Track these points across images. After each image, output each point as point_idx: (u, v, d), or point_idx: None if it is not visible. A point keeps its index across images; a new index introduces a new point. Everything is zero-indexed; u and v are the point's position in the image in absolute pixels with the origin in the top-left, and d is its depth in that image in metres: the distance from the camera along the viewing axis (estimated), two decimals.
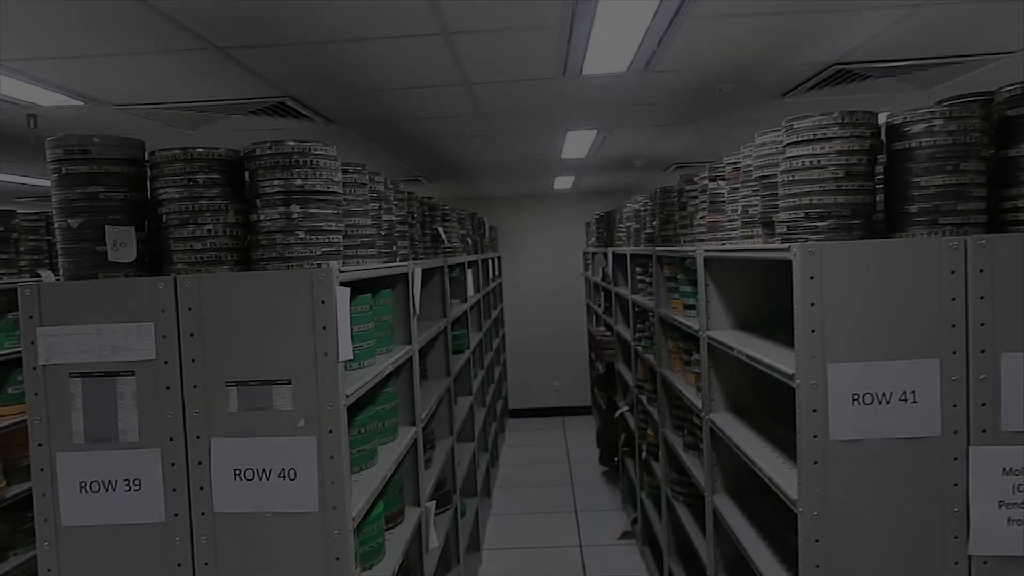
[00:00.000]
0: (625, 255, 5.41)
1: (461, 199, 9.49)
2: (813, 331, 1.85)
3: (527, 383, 9.78)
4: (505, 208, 9.76)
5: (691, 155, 6.25)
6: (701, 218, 3.13)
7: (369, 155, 5.26)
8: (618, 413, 6.07)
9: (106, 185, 1.90)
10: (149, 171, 1.97)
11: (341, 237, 2.03)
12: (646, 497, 5.11)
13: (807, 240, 1.92)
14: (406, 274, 2.94)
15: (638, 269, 4.96)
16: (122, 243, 1.90)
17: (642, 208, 4.79)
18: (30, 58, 2.70)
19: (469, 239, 5.70)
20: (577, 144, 5.31)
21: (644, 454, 4.79)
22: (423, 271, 3.99)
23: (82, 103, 3.33)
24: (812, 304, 1.85)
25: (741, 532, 2.66)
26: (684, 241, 3.55)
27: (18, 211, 3.77)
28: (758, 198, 2.30)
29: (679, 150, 5.82)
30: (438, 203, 4.31)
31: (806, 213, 1.93)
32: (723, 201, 2.85)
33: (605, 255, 6.64)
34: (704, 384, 3.00)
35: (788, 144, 1.98)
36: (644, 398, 4.83)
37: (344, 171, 2.34)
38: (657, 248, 4.02)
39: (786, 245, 1.93)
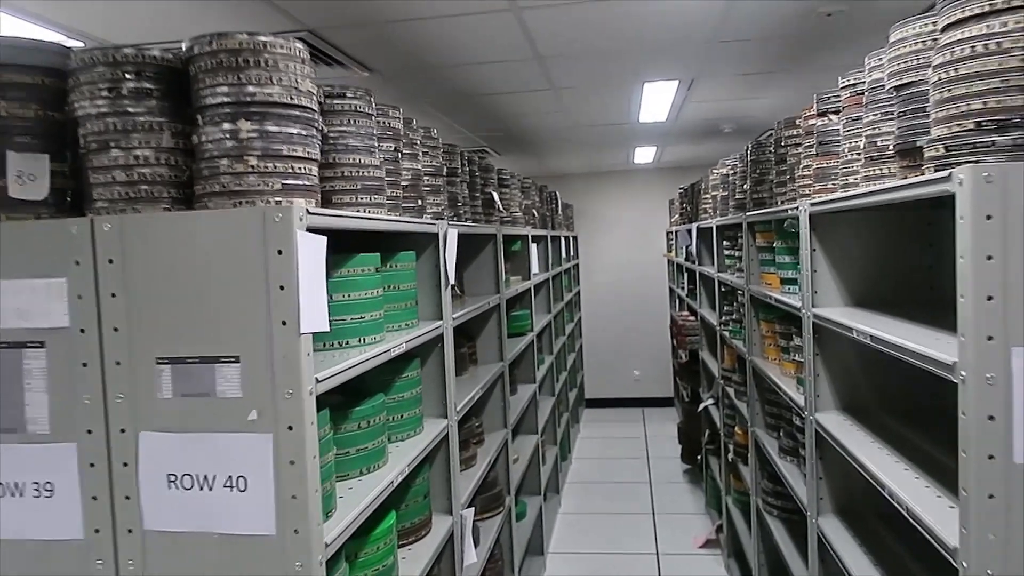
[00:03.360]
0: (711, 228, 4.75)
1: (536, 176, 8.93)
2: (990, 298, 1.22)
3: (604, 371, 9.18)
4: (582, 185, 9.16)
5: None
6: (806, 167, 2.49)
7: (422, 117, 4.77)
8: (701, 407, 5.42)
9: (10, 99, 1.45)
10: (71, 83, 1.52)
11: (315, 168, 1.53)
12: (732, 504, 4.47)
13: (978, 163, 1.29)
14: (436, 235, 2.43)
15: (725, 243, 4.31)
16: (30, 175, 1.45)
17: (731, 171, 4.13)
18: None
19: (535, 212, 5.16)
20: (656, 101, 4.68)
21: (731, 455, 4.15)
22: (470, 238, 3.48)
23: (80, 42, 2.96)
24: (988, 257, 1.22)
25: (857, 568, 2.03)
26: (782, 202, 2.91)
27: None
28: (893, 120, 1.67)
29: (774, 110, 5.08)
30: (492, 164, 3.78)
31: (977, 123, 1.30)
32: (836, 140, 2.21)
33: (689, 232, 5.98)
34: (808, 376, 2.37)
35: (948, 25, 1.35)
36: (731, 391, 4.19)
37: (341, 95, 1.84)
38: (748, 214, 3.38)
39: (944, 173, 1.30)
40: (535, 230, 4.99)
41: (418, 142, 2.41)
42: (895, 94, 1.62)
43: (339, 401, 1.94)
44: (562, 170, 8.84)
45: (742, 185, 3.81)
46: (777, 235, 2.93)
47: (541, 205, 5.80)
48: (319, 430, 1.54)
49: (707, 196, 5.27)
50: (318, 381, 1.44)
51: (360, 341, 1.86)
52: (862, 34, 3.31)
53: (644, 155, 7.59)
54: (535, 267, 4.82)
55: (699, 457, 5.76)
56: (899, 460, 1.90)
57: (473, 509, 2.65)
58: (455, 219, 2.94)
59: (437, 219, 2.49)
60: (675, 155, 7.71)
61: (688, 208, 6.46)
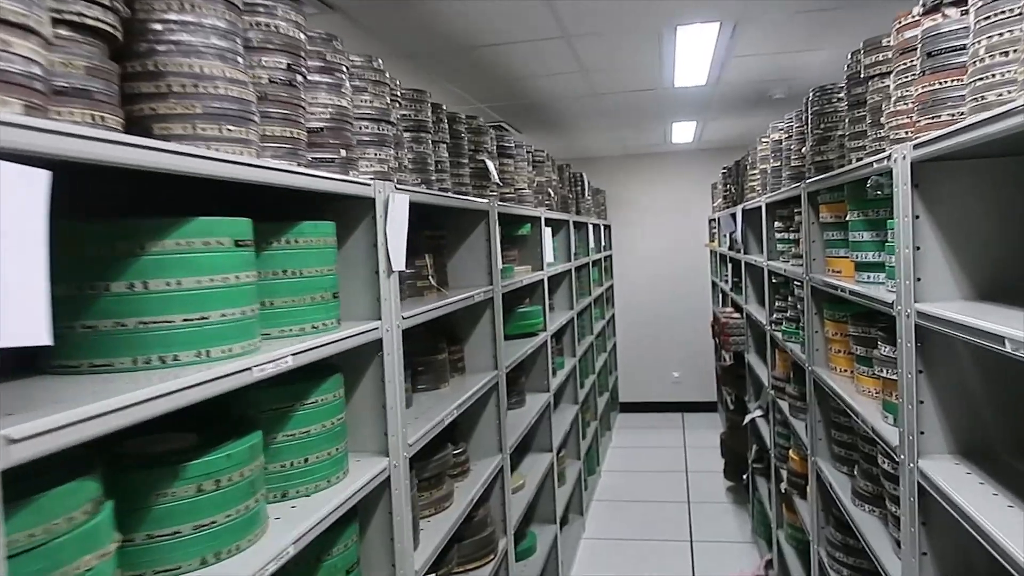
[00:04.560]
0: (759, 208, 3.98)
1: (564, 160, 8.21)
2: None
3: (640, 372, 8.41)
4: (615, 169, 8.39)
5: None
6: (901, 99, 1.73)
7: (413, 78, 4.08)
8: (747, 419, 4.64)
9: None
10: None
11: (36, 51, 0.84)
12: (785, 539, 3.70)
13: None
14: (373, 201, 1.73)
15: (777, 224, 3.54)
16: None
17: (784, 135, 3.36)
18: None
19: (551, 191, 4.44)
20: (693, 54, 3.91)
21: (784, 485, 3.38)
22: (455, 217, 2.79)
23: None
24: None
25: None
26: (858, 159, 2.15)
27: None
28: None
29: (835, 67, 4.27)
30: (487, 127, 3.08)
31: None
32: (957, 46, 1.46)
33: (732, 216, 5.20)
34: (906, 402, 1.62)
35: None
36: (784, 404, 3.42)
37: None
38: (809, 181, 2.62)
39: None
40: (550, 212, 4.27)
41: (345, 69, 1.72)
42: None
43: (185, 447, 1.26)
44: (592, 152, 8.08)
45: (799, 149, 3.05)
46: (851, 205, 2.17)
47: (561, 185, 5.08)
48: (59, 520, 0.87)
49: (754, 172, 4.49)
50: (12, 441, 0.76)
51: (202, 355, 1.17)
52: None
53: (683, 133, 6.80)
54: (549, 255, 4.10)
55: (744, 477, 4.99)
56: None
57: None
58: (422, 185, 2.25)
59: (383, 180, 1.79)
60: (718, 132, 6.90)
61: (732, 189, 5.67)
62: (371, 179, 1.76)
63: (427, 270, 2.50)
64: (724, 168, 6.14)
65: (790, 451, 3.31)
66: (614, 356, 8.13)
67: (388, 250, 1.77)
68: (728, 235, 5.63)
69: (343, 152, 1.66)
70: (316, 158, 1.61)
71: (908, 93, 1.68)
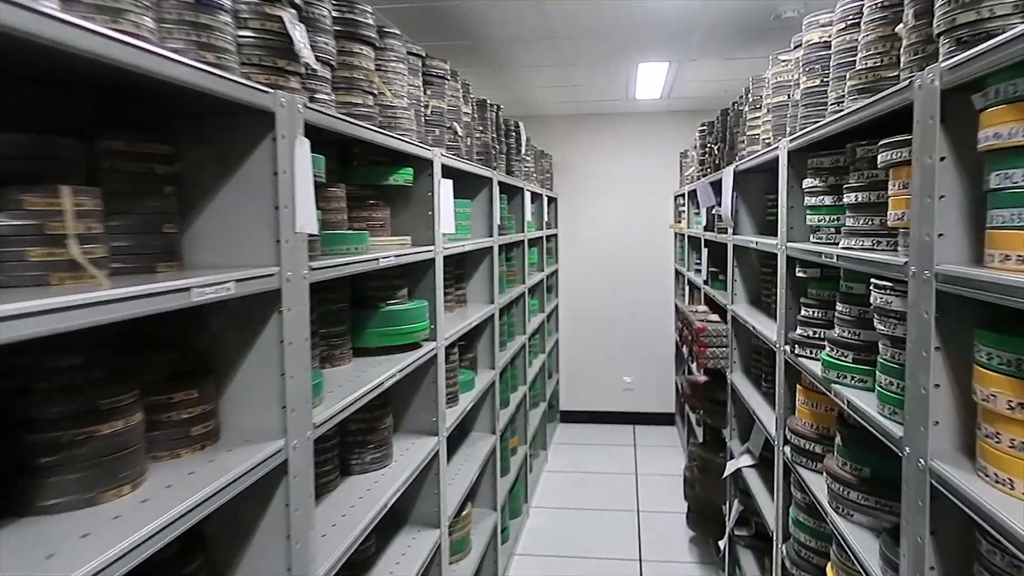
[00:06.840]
0: (773, 161, 2.58)
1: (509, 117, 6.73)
2: None
3: (586, 376, 7.01)
4: (565, 132, 6.93)
5: None
6: None
7: None
8: (730, 470, 3.28)
9: None
10: None
11: None
12: None
13: None
14: None
15: (812, 184, 2.14)
16: None
17: (841, 24, 1.95)
18: None
19: (459, 126, 2.96)
20: None
21: None
22: (167, 104, 1.29)
23: None
24: None
25: None
26: None
27: None
28: None
29: None
30: None
31: None
32: None
33: (714, 185, 3.83)
34: None
35: None
36: (815, 480, 2.04)
37: None
38: (955, 61, 1.21)
39: None
40: (454, 159, 2.81)
41: None
42: None
43: None
44: (538, 108, 6.60)
45: (882, 38, 1.64)
46: None
47: (483, 129, 3.61)
48: None
49: (756, 115, 3.10)
50: None
51: None
52: None
53: (650, 83, 5.38)
54: (448, 223, 2.64)
55: (721, 544, 3.62)
56: None
57: None
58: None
59: None
60: (694, 84, 5.49)
61: (715, 151, 4.28)
62: None
63: (67, 227, 1.02)
64: (702, 124, 4.75)
65: (828, 567, 1.94)
66: (555, 356, 6.74)
67: None
68: (707, 210, 4.26)
69: None
70: None
71: None
